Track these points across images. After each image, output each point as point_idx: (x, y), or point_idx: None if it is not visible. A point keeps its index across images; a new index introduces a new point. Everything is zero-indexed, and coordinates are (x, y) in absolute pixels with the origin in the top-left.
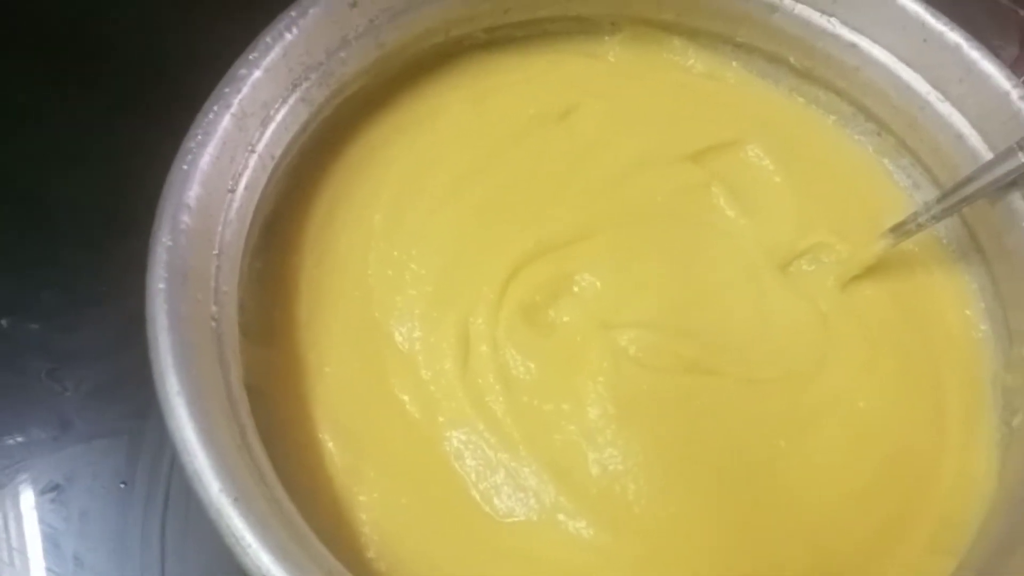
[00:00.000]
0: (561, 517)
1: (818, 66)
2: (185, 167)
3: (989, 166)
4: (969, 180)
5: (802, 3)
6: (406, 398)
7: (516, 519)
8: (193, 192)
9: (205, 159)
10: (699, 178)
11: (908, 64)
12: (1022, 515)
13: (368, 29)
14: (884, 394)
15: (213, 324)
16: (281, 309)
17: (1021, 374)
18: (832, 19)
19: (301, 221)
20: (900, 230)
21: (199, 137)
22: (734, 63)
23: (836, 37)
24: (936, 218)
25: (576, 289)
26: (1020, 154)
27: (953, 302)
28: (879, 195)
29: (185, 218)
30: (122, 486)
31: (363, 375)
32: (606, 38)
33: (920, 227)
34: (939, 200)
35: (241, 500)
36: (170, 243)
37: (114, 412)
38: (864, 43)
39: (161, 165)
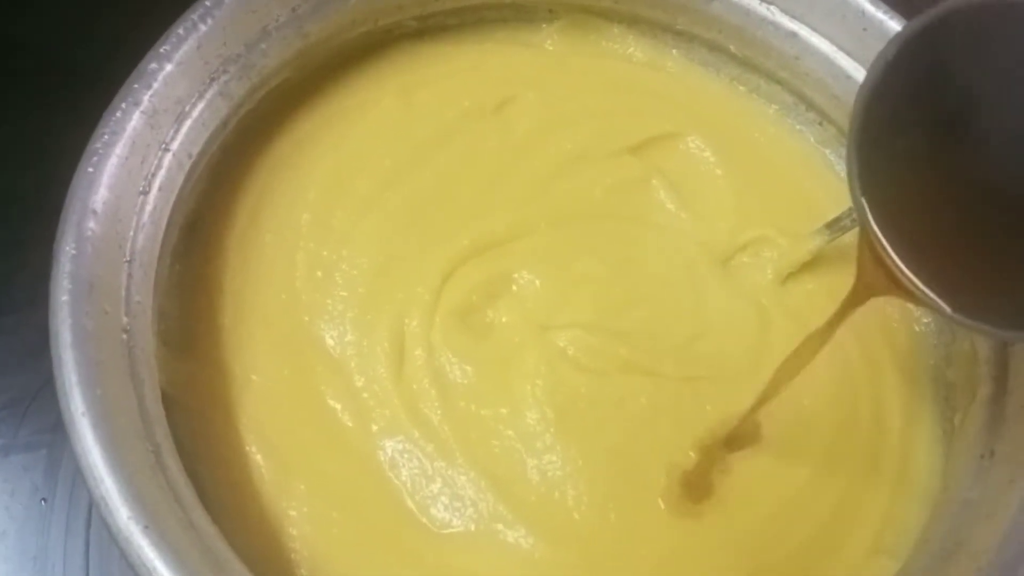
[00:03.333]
0: (499, 527)
1: (758, 55)
2: (91, 170)
3: None
4: None
5: None
6: (338, 406)
7: (454, 530)
8: (99, 196)
9: (112, 161)
10: (639, 171)
11: (848, 53)
12: (965, 517)
13: (290, 19)
14: (824, 391)
15: (124, 336)
16: (204, 315)
17: (963, 369)
18: (771, 7)
19: (224, 222)
20: (835, 226)
21: (105, 137)
22: (674, 51)
23: (776, 25)
24: None
25: (514, 288)
26: None
27: None
28: (821, 186)
29: (91, 224)
30: (42, 503)
31: (292, 383)
32: (543, 26)
33: (855, 222)
34: None
35: (152, 527)
36: (74, 252)
37: (31, 425)
38: (804, 32)
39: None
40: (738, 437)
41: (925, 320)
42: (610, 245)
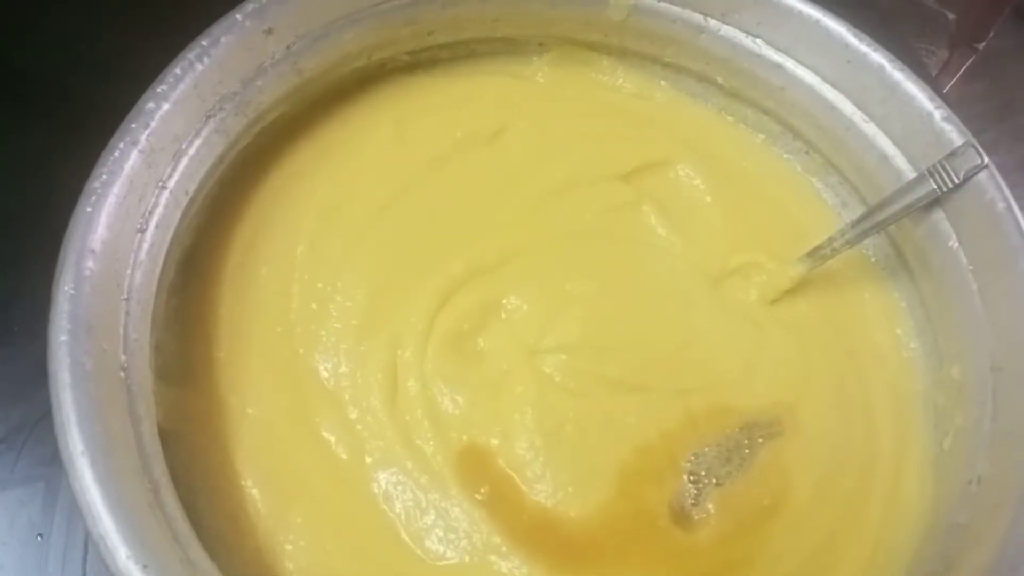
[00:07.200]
0: (494, 558)
1: (745, 86)
2: (89, 209)
3: (901, 193)
4: (882, 206)
5: (728, 24)
6: (332, 438)
7: (448, 562)
8: (98, 236)
9: (110, 200)
10: (630, 197)
11: (832, 85)
12: (954, 540)
13: (286, 56)
14: (816, 413)
15: (122, 375)
16: (200, 348)
17: (951, 393)
18: (757, 40)
19: (220, 255)
20: (817, 254)
21: (104, 177)
22: (663, 82)
23: (762, 58)
24: (851, 243)
25: (503, 315)
26: (931, 180)
27: (883, 320)
28: (808, 213)
29: (89, 264)
30: (39, 538)
31: (287, 416)
32: (534, 59)
33: (836, 251)
34: (853, 225)
35: (152, 566)
36: (72, 291)
37: (28, 459)
38: (789, 64)
39: (71, 196)
40: (735, 460)
41: (913, 345)
42: (600, 264)
